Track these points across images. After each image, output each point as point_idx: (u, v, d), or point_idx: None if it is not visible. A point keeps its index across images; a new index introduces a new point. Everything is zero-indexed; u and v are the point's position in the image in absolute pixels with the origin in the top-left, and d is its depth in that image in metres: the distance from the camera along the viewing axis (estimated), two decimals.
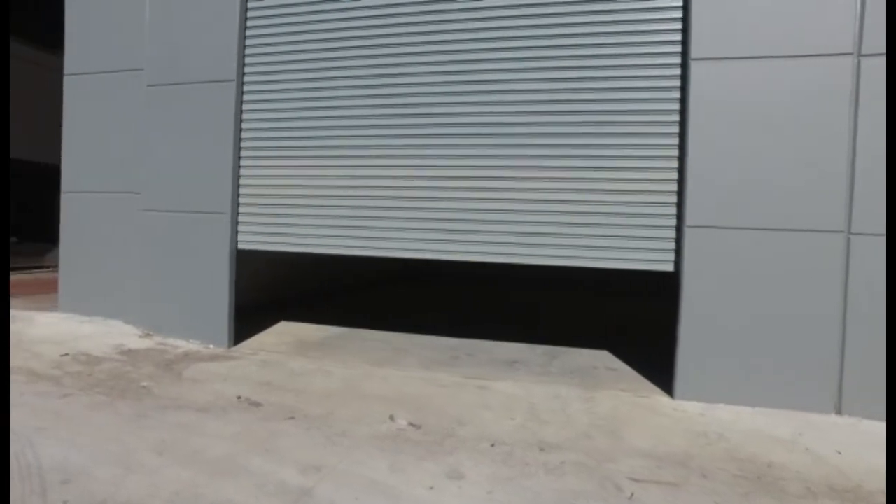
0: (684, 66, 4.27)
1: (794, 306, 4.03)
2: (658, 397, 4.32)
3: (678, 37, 4.32)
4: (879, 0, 3.79)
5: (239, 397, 3.96)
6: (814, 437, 3.56)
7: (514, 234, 4.72)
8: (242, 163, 5.48)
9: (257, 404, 3.84)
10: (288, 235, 5.33)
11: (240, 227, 5.47)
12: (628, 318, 8.57)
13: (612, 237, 4.50)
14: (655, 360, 4.94)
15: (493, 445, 3.29)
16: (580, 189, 4.56)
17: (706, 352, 4.20)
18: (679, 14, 4.31)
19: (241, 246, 5.47)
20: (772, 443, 3.47)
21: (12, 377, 4.25)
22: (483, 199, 4.79)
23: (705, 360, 4.20)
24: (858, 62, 3.85)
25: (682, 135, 4.28)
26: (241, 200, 5.49)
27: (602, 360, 5.46)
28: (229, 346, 5.39)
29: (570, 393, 4.37)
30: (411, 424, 3.56)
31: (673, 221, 4.37)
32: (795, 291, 4.03)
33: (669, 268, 4.39)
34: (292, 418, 3.60)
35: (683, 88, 4.28)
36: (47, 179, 11.25)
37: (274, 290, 7.74)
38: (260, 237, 5.42)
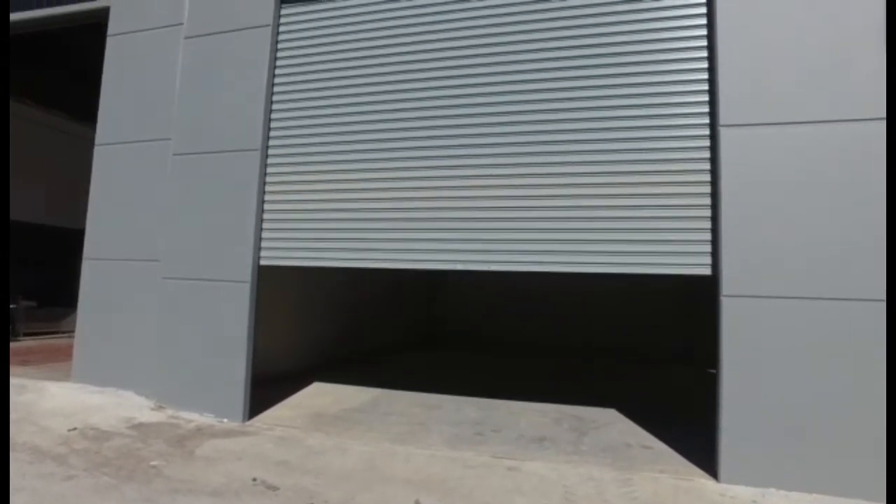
0: (713, 136, 4.25)
1: (849, 380, 3.77)
2: (702, 480, 4.00)
3: (706, 108, 4.32)
4: None
5: (254, 479, 3.72)
6: None
7: (544, 243, 4.63)
8: (264, 235, 5.46)
9: (274, 487, 3.59)
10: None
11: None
12: (660, 387, 8.19)
13: (646, 242, 4.37)
14: (695, 437, 4.62)
15: None
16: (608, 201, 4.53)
17: (753, 431, 3.91)
18: (706, 87, 4.33)
19: (264, 259, 5.41)
20: None
21: (16, 455, 4.06)
22: (510, 209, 4.76)
23: (752, 439, 3.91)
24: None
25: (714, 194, 4.21)
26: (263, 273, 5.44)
27: (635, 435, 5.12)
28: (244, 420, 5.16)
29: (605, 475, 4.07)
30: None
31: (708, 224, 4.23)
32: (848, 364, 3.78)
33: (707, 271, 4.20)
34: None
35: (714, 160, 4.24)
36: (67, 244, 11.41)
37: (290, 361, 7.55)
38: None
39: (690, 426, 5.03)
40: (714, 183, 4.21)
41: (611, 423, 5.49)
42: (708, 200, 4.25)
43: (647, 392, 7.81)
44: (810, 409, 3.82)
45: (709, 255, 4.21)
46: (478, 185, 4.86)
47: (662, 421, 5.45)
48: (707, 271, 4.21)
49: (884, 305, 3.71)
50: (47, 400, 5.57)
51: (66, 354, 6.84)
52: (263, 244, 5.46)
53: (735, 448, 3.93)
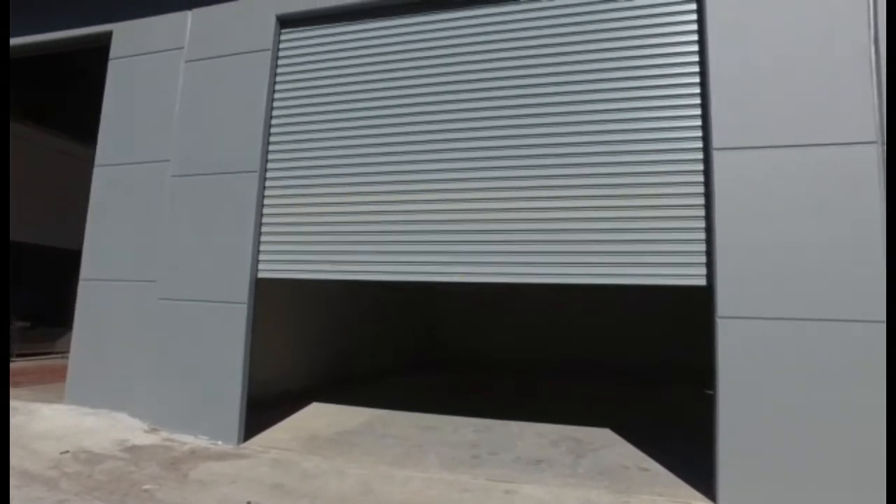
0: (706, 157, 4.32)
1: (849, 403, 3.75)
2: (700, 503, 3.96)
3: (699, 130, 4.40)
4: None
5: (248, 503, 3.67)
6: None
7: (538, 255, 4.69)
8: (262, 250, 5.48)
9: None
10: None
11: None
12: (659, 407, 8.15)
13: (643, 253, 4.43)
14: (693, 459, 4.59)
15: None
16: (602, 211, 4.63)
17: (752, 454, 3.89)
18: (699, 111, 4.42)
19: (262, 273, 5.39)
20: None
21: None
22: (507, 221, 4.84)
23: (751, 462, 3.88)
24: (884, 150, 3.86)
25: (708, 204, 4.26)
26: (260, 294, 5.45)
27: (632, 457, 5.09)
28: (239, 443, 5.11)
29: (603, 498, 4.03)
30: None
31: (703, 235, 4.29)
32: (847, 386, 3.77)
33: (702, 282, 4.25)
34: None
35: (707, 181, 4.30)
36: (61, 264, 11.35)
37: (287, 382, 7.51)
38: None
39: (689, 447, 5.00)
40: (708, 194, 4.27)
41: (608, 445, 5.46)
42: (702, 211, 4.32)
43: (646, 412, 7.77)
44: (810, 432, 3.81)
45: (703, 265, 4.26)
46: (475, 199, 4.94)
47: (661, 442, 5.43)
48: (702, 282, 4.25)
49: (883, 326, 3.71)
50: (39, 422, 5.50)
51: (59, 375, 6.78)
52: (261, 260, 5.49)
53: (734, 471, 3.90)
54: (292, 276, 5.42)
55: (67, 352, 6.33)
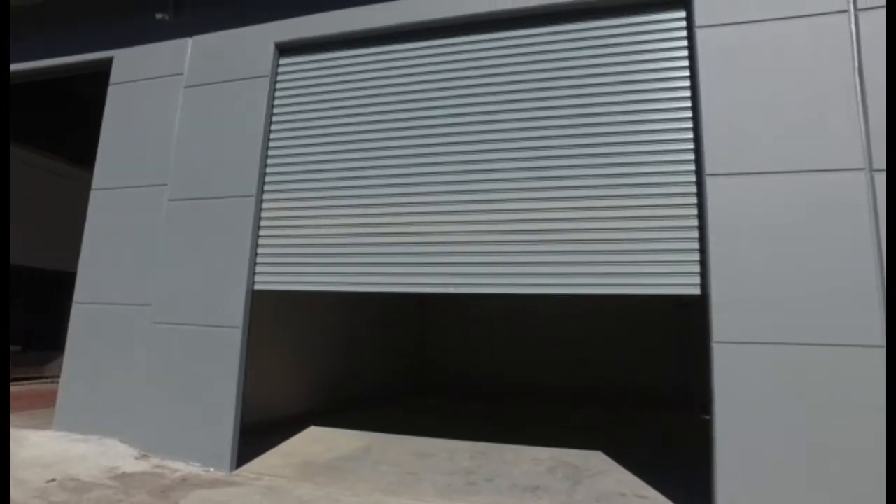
0: (699, 181, 4.39)
1: (849, 427, 3.74)
2: None
3: (692, 157, 4.49)
4: (880, 121, 3.96)
5: None
6: None
7: (534, 265, 4.73)
8: (258, 279, 5.48)
9: None
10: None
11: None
12: (659, 432, 8.08)
13: (639, 263, 4.48)
14: (692, 486, 4.54)
15: None
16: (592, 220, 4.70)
17: (750, 481, 3.86)
18: (691, 138, 4.52)
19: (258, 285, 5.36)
20: None
21: None
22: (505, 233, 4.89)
23: (748, 488, 3.85)
24: (872, 177, 3.93)
25: (702, 218, 4.31)
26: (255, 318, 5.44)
27: (630, 484, 5.02)
28: (231, 470, 5.02)
29: None
30: None
31: (696, 244, 4.36)
32: (848, 411, 3.76)
33: (696, 290, 4.29)
34: None
35: (700, 204, 4.36)
36: (53, 287, 11.24)
37: (282, 408, 7.42)
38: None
39: (687, 474, 4.94)
40: (701, 213, 4.34)
41: (606, 472, 5.39)
42: (695, 221, 4.39)
43: (644, 437, 7.69)
44: (808, 459, 3.78)
45: (698, 275, 4.31)
46: (470, 211, 4.99)
47: (658, 469, 5.36)
48: (696, 291, 4.30)
49: (882, 351, 3.72)
50: (26, 449, 5.40)
51: (49, 401, 6.67)
52: (258, 272, 5.50)
53: (732, 498, 3.86)
54: (289, 289, 5.43)
55: (57, 376, 6.25)
